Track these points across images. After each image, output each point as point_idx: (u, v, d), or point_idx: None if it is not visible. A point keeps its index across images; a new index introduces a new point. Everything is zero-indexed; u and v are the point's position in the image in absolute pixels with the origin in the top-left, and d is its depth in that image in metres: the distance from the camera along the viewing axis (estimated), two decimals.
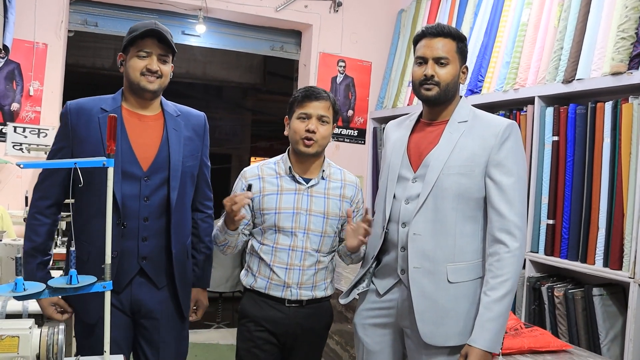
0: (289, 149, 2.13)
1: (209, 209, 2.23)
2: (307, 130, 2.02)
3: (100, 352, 1.81)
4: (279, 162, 2.12)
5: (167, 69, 2.00)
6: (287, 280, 2.03)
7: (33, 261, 1.94)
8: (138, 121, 2.00)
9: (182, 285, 2.05)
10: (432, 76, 1.83)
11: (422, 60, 1.87)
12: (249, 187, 1.97)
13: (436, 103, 1.87)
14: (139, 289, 1.98)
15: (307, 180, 2.08)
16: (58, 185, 1.96)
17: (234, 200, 1.88)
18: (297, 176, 2.07)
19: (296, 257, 2.04)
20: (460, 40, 1.87)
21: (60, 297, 1.97)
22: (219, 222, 2.04)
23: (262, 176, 2.09)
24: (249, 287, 2.10)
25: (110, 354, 1.81)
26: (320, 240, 2.06)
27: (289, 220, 2.04)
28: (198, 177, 2.14)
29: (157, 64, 1.96)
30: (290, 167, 2.07)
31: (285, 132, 2.12)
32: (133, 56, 1.95)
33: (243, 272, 2.17)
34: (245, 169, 2.15)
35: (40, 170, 2.02)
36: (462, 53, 1.88)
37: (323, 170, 2.10)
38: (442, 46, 1.84)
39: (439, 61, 1.84)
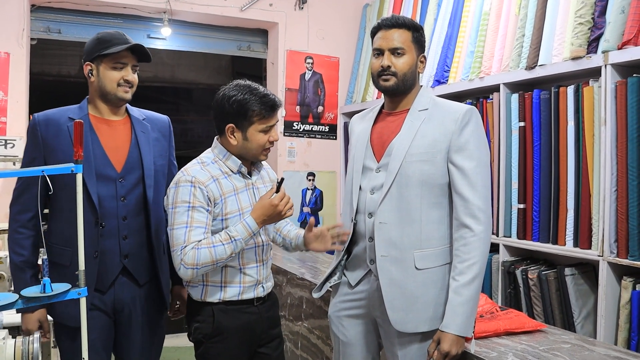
0: (220, 147, 2.02)
1: None
2: (271, 142, 1.99)
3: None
4: (221, 162, 1.99)
5: (136, 78, 2.09)
6: (259, 277, 2.02)
7: (25, 275, 1.96)
8: (107, 127, 2.06)
9: (163, 278, 2.14)
10: (389, 67, 1.86)
11: (379, 52, 1.90)
12: (282, 181, 1.98)
13: (395, 93, 1.90)
14: (121, 288, 2.04)
15: (250, 174, 2.06)
16: (36, 197, 1.96)
17: (288, 196, 1.95)
18: (244, 172, 2.01)
19: (263, 252, 2.04)
20: (415, 30, 1.89)
21: (46, 319, 1.99)
22: (217, 240, 1.87)
23: (216, 177, 1.94)
24: (217, 301, 1.95)
25: (92, 357, 1.82)
26: (272, 229, 2.13)
27: (248, 214, 1.97)
28: (168, 177, 2.18)
29: (132, 75, 2.05)
30: (241, 164, 1.99)
31: (234, 142, 1.96)
32: (109, 67, 2.01)
33: (196, 290, 1.98)
34: (191, 173, 1.91)
35: (14, 185, 2.03)
36: (419, 43, 1.90)
37: (256, 163, 2.08)
38: (397, 37, 1.86)
39: (395, 52, 1.86)
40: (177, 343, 4.52)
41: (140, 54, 2.06)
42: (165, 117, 2.27)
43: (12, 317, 2.26)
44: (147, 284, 2.10)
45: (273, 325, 2.10)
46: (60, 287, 1.48)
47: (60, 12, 4.14)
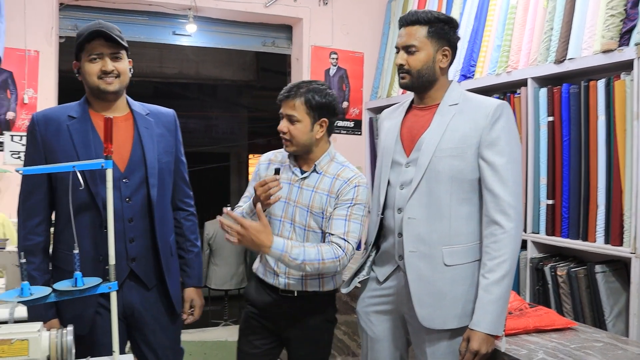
0: None
1: (190, 207, 2.23)
2: (281, 131, 2.06)
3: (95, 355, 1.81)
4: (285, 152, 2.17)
5: (124, 65, 1.96)
6: (276, 268, 2.07)
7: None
8: None
9: (171, 282, 2.05)
10: (402, 65, 1.86)
11: (397, 50, 1.91)
12: (277, 171, 2.03)
13: (412, 90, 1.92)
14: (129, 292, 1.97)
15: (303, 172, 2.09)
16: (42, 201, 1.93)
17: (268, 185, 1.96)
18: (292, 167, 2.10)
19: None
20: (431, 24, 1.85)
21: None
22: (241, 209, 2.12)
23: (273, 161, 2.19)
24: (254, 271, 2.19)
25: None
26: (304, 234, 2.05)
27: (280, 209, 2.07)
28: (175, 175, 2.12)
29: (112, 64, 1.92)
30: (288, 157, 2.13)
31: None
32: (86, 61, 1.92)
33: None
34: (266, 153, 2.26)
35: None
36: (438, 36, 1.86)
37: (315, 165, 2.09)
38: (410, 34, 1.86)
39: (408, 49, 1.86)
40: (204, 337, 4.57)
41: (114, 42, 1.92)
42: (170, 111, 2.15)
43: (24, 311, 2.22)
44: (155, 288, 2.03)
45: (304, 329, 2.09)
46: (91, 281, 1.50)
47: (88, 10, 4.20)
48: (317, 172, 2.08)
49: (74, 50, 1.98)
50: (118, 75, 1.94)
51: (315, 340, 2.13)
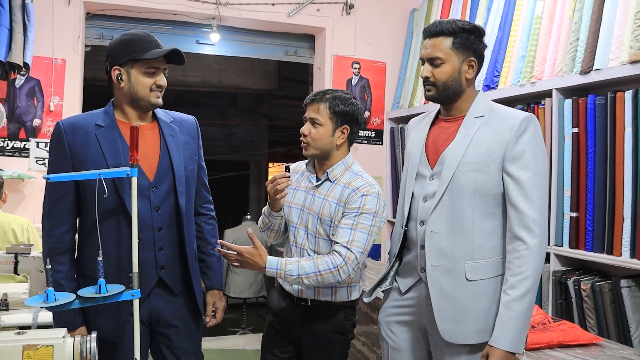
0: None
1: (210, 211, 2.24)
2: (303, 133, 2.09)
3: None
4: (310, 160, 2.20)
5: (166, 80, 2.01)
6: None
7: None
8: None
9: (196, 287, 2.07)
10: (428, 77, 1.83)
11: (422, 61, 1.89)
12: (287, 169, 2.08)
13: (439, 102, 1.89)
14: (156, 299, 1.98)
15: (318, 180, 2.12)
16: (68, 210, 1.92)
17: (277, 182, 2.02)
18: (309, 175, 2.15)
19: (297, 252, 2.11)
20: (456, 35, 1.81)
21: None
22: (265, 207, 2.19)
23: (296, 170, 2.23)
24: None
25: None
26: (315, 241, 2.07)
27: (296, 216, 2.12)
28: (196, 180, 2.13)
29: (163, 79, 1.97)
30: (307, 164, 2.19)
31: None
32: (141, 73, 1.92)
33: None
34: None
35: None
36: (464, 46, 1.82)
37: (328, 172, 2.10)
38: (434, 46, 1.82)
39: (432, 62, 1.83)
40: (221, 345, 4.57)
41: (171, 56, 1.95)
42: (192, 118, 2.17)
43: (48, 315, 2.22)
44: (181, 293, 2.04)
45: (314, 338, 2.09)
46: (114, 289, 1.51)
47: (114, 20, 4.26)
48: (330, 181, 2.09)
49: (106, 56, 1.99)
50: (162, 90, 1.98)
51: (325, 351, 2.12)
